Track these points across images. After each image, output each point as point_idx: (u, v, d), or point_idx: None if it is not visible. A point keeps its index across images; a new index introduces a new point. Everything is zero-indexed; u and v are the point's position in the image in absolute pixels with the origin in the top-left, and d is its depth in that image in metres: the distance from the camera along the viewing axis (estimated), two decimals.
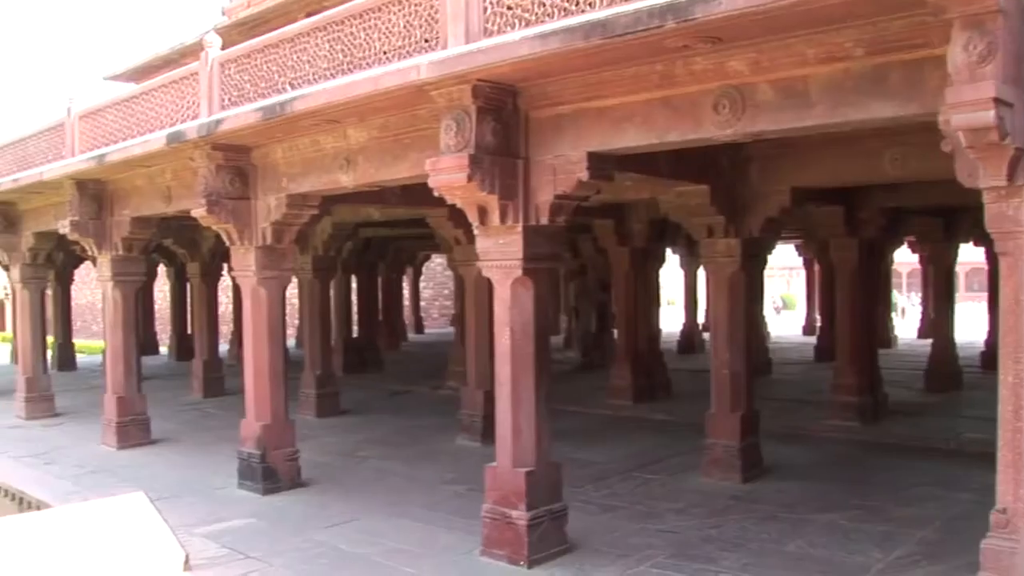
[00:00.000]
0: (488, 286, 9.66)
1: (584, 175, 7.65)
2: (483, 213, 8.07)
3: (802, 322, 32.60)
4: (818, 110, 6.45)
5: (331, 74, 8.90)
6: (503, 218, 7.95)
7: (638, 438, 13.88)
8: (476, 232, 8.27)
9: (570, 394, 16.13)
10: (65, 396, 18.83)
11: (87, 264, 26.97)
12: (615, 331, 19.00)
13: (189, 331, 27.69)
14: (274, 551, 8.79)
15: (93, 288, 38.59)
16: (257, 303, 11.24)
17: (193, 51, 14.70)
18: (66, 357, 27.80)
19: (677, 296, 37.61)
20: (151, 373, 19.84)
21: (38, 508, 10.68)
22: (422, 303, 38.12)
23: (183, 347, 27.92)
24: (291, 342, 22.33)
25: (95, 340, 36.58)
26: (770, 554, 8.27)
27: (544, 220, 7.96)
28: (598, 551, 8.40)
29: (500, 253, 8.07)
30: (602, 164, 7.74)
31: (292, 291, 15.79)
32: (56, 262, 22.68)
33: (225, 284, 26.27)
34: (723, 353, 10.99)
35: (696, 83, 6.90)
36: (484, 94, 7.61)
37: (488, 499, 8.28)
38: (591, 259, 21.89)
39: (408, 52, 8.06)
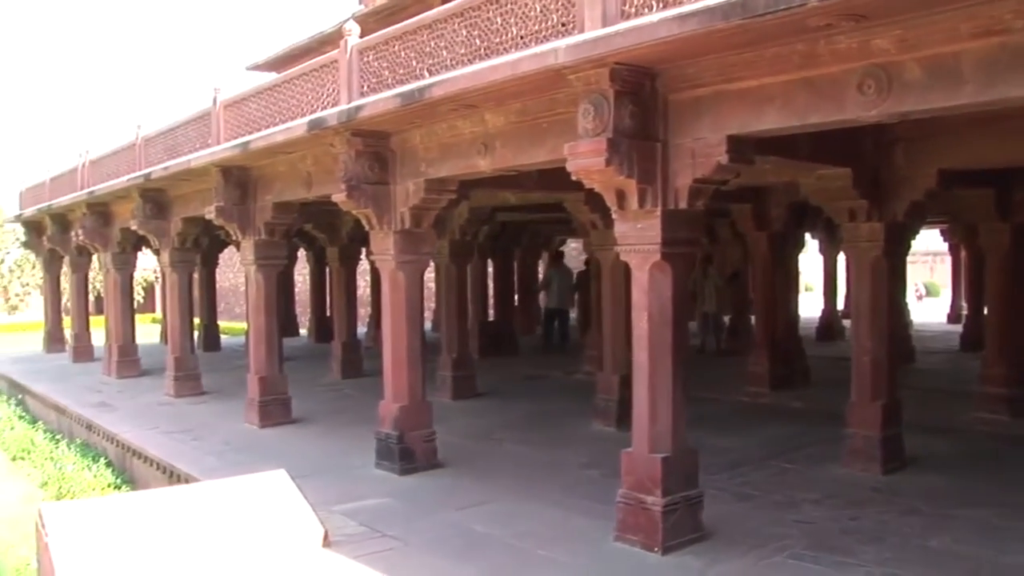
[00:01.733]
0: (625, 271, 9.62)
1: (723, 158, 7.52)
2: (621, 197, 8.01)
3: (947, 310, 31.59)
4: (970, 88, 6.20)
5: (468, 60, 8.95)
6: (641, 202, 7.88)
7: (775, 426, 13.64)
8: (614, 216, 8.22)
9: (705, 380, 15.92)
10: (210, 375, 19.43)
11: (230, 248, 27.81)
12: (752, 317, 18.72)
13: (328, 314, 28.37)
14: (410, 530, 8.93)
15: (236, 271, 39.72)
16: (395, 287, 11.40)
17: (332, 40, 15.00)
18: (211, 338, 28.73)
19: (815, 282, 36.83)
20: (291, 354, 20.28)
21: (186, 481, 11.05)
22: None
23: (322, 329, 28.58)
24: (427, 325, 22.59)
25: (238, 322, 37.69)
26: (912, 549, 8.02)
27: (683, 204, 7.86)
28: (732, 540, 8.28)
29: (638, 237, 8.00)
30: (742, 147, 7.60)
31: (429, 275, 15.94)
32: (202, 246, 23.41)
33: (363, 268, 26.75)
34: (865, 340, 10.70)
35: (839, 63, 6.71)
36: (622, 77, 7.54)
37: (623, 484, 8.25)
38: (723, 244, 21.61)
39: (545, 36, 8.05)
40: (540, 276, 29.88)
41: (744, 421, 14.08)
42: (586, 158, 7.77)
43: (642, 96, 7.78)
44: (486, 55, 8.71)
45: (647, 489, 7.99)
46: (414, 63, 9.83)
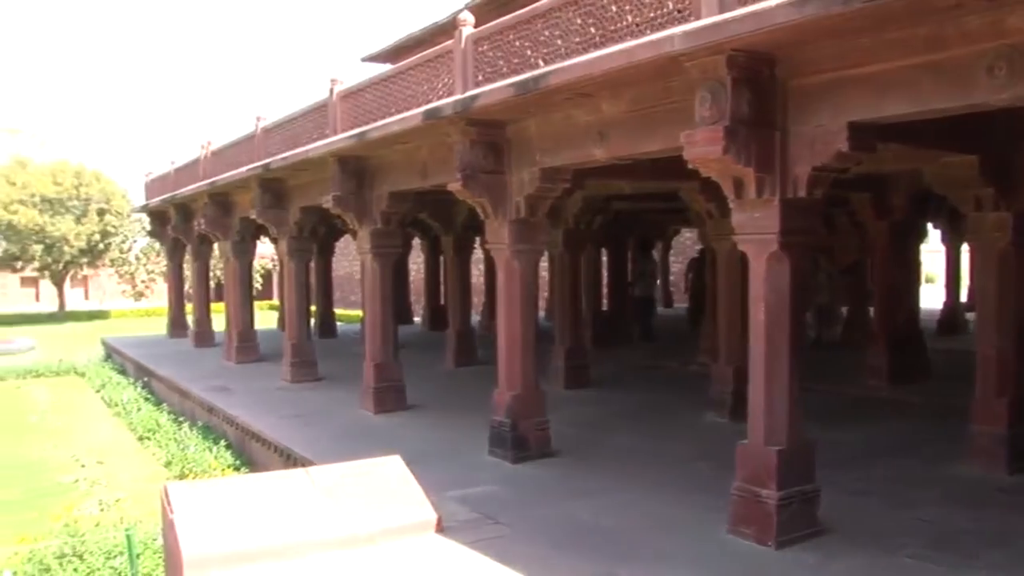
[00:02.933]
0: (741, 261, 9.49)
1: (844, 146, 7.33)
2: (739, 186, 7.90)
3: None
4: None
5: (583, 48, 8.91)
6: (759, 191, 7.76)
7: (894, 421, 13.32)
8: (731, 205, 8.11)
9: (822, 372, 15.62)
10: (326, 362, 19.76)
11: (346, 237, 28.24)
12: (871, 309, 18.29)
13: (442, 302, 28.63)
14: (521, 518, 8.95)
15: (351, 260, 40.31)
16: (510, 275, 11.44)
17: (445, 30, 15.10)
18: (327, 325, 29.29)
19: (937, 273, 35.82)
20: (405, 342, 20.50)
21: (302, 465, 11.26)
22: (671, 277, 37.81)
23: (435, 317, 28.87)
24: (541, 314, 22.62)
25: (353, 309, 38.26)
26: None
27: (801, 193, 7.70)
28: (849, 537, 8.10)
29: (755, 227, 7.88)
30: (863, 134, 7.39)
31: (543, 264, 15.94)
32: (319, 235, 23.82)
33: (477, 256, 26.91)
34: (990, 334, 10.34)
35: (967, 44, 6.46)
36: (739, 64, 7.43)
37: (737, 476, 8.15)
38: (841, 234, 21.15)
39: (661, 24, 7.98)
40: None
41: (862, 415, 13.79)
42: (703, 147, 7.68)
43: (760, 83, 7.65)
44: (601, 43, 8.67)
45: (762, 482, 7.89)
46: (528, 52, 9.84)
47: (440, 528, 8.39)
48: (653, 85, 8.69)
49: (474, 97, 10.36)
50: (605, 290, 25.54)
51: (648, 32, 8.06)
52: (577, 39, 9.04)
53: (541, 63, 9.54)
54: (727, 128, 7.43)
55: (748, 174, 7.70)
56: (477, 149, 11.10)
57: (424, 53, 12.47)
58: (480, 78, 10.71)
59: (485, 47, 10.70)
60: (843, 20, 6.45)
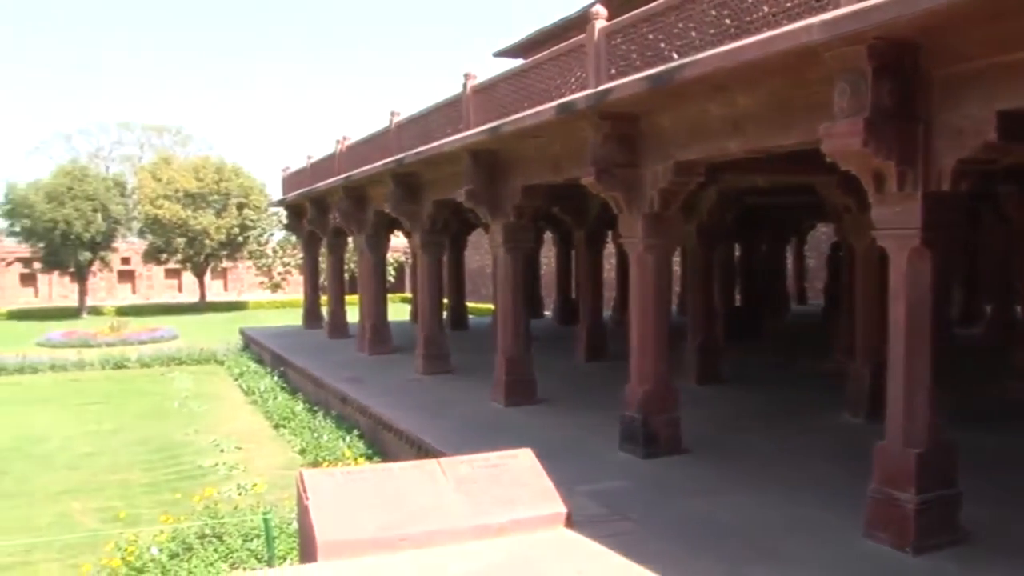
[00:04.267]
0: (880, 257, 9.23)
1: (992, 136, 7.02)
2: (879, 179, 7.67)
3: None
4: None
5: (717, 40, 8.79)
6: (900, 184, 7.52)
7: None
8: (871, 200, 7.88)
9: (965, 373, 15.09)
10: (457, 354, 19.95)
11: (477, 231, 28.45)
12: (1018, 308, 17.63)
13: (572, 296, 28.62)
14: (651, 514, 8.90)
15: (482, 253, 40.60)
16: (643, 270, 11.35)
17: (577, 24, 15.06)
18: (459, 318, 29.55)
19: None
20: (536, 335, 20.55)
21: (433, 455, 11.36)
22: (805, 273, 37.11)
23: (566, 311, 28.86)
24: (673, 309, 22.41)
25: (483, 303, 38.53)
26: None
27: (945, 186, 7.43)
28: (992, 545, 7.81)
29: (896, 222, 7.64)
30: (1013, 124, 7.10)
31: (674, 258, 15.76)
32: (451, 229, 24.03)
33: (608, 251, 26.80)
34: None
35: None
36: (881, 53, 7.21)
37: (874, 479, 7.94)
38: (986, 229, 20.42)
39: (798, 13, 7.81)
40: (788, 262, 29.17)
41: (1008, 419, 13.26)
42: (842, 139, 7.49)
43: (902, 73, 7.41)
44: (736, 35, 8.53)
45: (900, 485, 7.66)
46: (662, 45, 9.75)
47: (570, 522, 8.36)
48: (790, 76, 8.51)
49: (607, 91, 10.31)
50: (737, 286, 25.19)
51: (785, 22, 7.89)
52: (711, 31, 8.92)
53: (675, 56, 9.44)
54: (867, 120, 7.22)
55: (889, 167, 7.47)
56: (610, 143, 11.04)
57: (556, 47, 12.47)
58: (613, 71, 10.65)
59: (618, 40, 10.64)
60: (993, 4, 6.20)
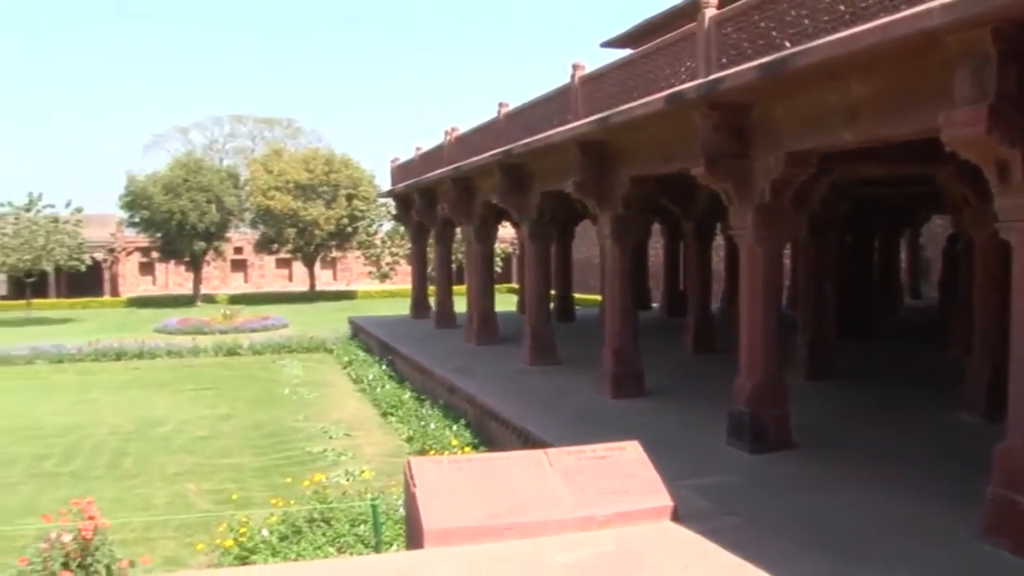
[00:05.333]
0: (1001, 249, 8.94)
1: None
2: (1003, 169, 7.38)
3: None
4: None
5: (832, 27, 8.59)
6: None
7: None
8: (994, 190, 7.60)
9: None
10: (564, 345, 19.92)
11: (585, 221, 28.38)
12: None
13: (680, 288, 28.39)
14: (757, 511, 8.77)
15: (589, 244, 40.48)
16: (753, 262, 11.19)
17: (686, 13, 14.88)
18: (566, 309, 29.54)
19: None
20: (643, 327, 20.39)
21: (539, 446, 11.38)
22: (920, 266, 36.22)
23: (674, 303, 28.67)
24: (783, 302, 22.08)
25: (590, 294, 38.45)
26: None
27: None
28: None
29: (1021, 213, 7.36)
30: None
31: (784, 250, 15.50)
32: (559, 219, 24.00)
33: (717, 242, 26.52)
34: None
35: None
36: (1007, 36, 6.93)
37: (993, 481, 7.64)
38: None
39: None
40: (902, 255, 28.47)
41: None
42: (963, 128, 7.24)
43: None
44: (851, 21, 8.33)
45: (1022, 488, 7.38)
46: (774, 33, 9.58)
47: (676, 516, 8.30)
48: (908, 63, 8.27)
49: (718, 80, 10.18)
50: (850, 279, 24.63)
51: (903, 7, 7.66)
52: (825, 17, 8.73)
53: (787, 44, 9.26)
54: (991, 107, 6.97)
55: (1014, 156, 7.19)
56: (721, 133, 10.90)
57: (666, 37, 12.35)
58: (724, 61, 10.51)
59: (729, 29, 10.49)
60: None
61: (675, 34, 11.99)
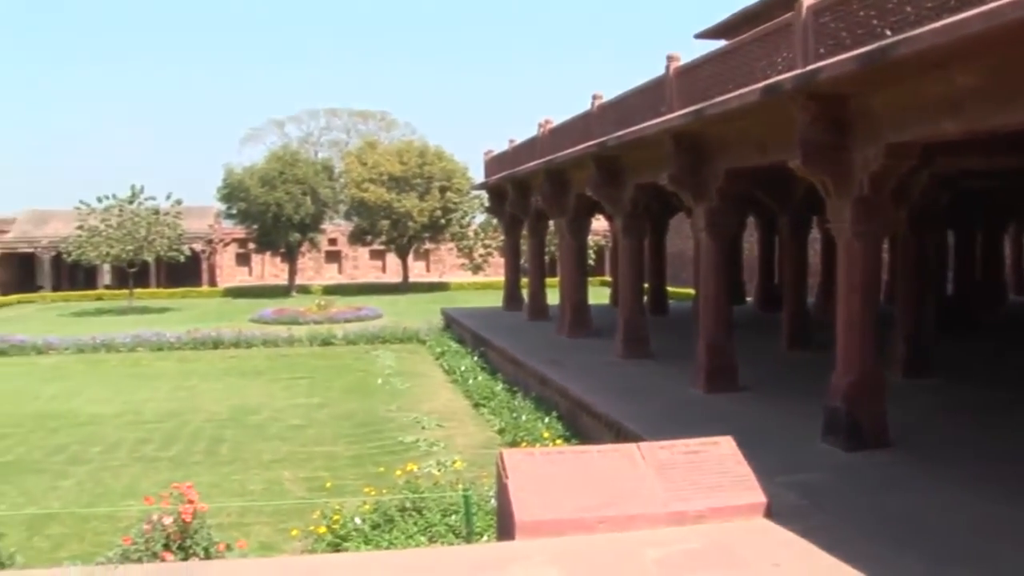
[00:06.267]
0: None
1: None
2: None
3: None
4: None
5: (935, 14, 8.37)
6: None
7: None
8: None
9: None
10: (657, 338, 19.82)
11: (679, 214, 28.17)
12: None
13: (775, 282, 28.03)
14: (850, 509, 8.63)
15: (682, 237, 40.23)
16: (851, 256, 10.98)
17: (782, 3, 14.61)
18: (659, 302, 29.38)
19: None
20: (737, 321, 20.17)
21: (632, 439, 11.34)
22: None
23: (768, 297, 28.31)
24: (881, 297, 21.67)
25: (682, 287, 38.18)
26: None
27: None
28: None
29: None
30: None
31: (883, 244, 15.18)
32: (652, 212, 23.88)
33: (812, 236, 26.13)
34: None
35: None
36: None
37: None
38: None
39: None
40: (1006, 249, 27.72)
41: None
42: None
43: None
44: (956, 7, 8.10)
45: None
46: (874, 22, 9.37)
47: (769, 513, 8.22)
48: (1016, 50, 8.01)
49: (816, 71, 10.00)
50: (950, 274, 24.12)
51: None
52: (928, 4, 8.50)
53: (888, 33, 9.05)
54: None
55: None
56: (818, 125, 10.71)
57: (761, 27, 12.18)
58: (821, 51, 10.32)
59: (827, 18, 10.30)
60: None
61: (771, 24, 11.81)
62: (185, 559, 8.23)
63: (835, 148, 10.77)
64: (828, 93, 10.51)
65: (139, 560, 8.12)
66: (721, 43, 15.93)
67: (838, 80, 9.82)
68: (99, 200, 47.99)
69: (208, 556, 8.37)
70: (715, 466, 8.45)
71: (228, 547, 8.79)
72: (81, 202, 48.29)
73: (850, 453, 10.71)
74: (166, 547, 8.26)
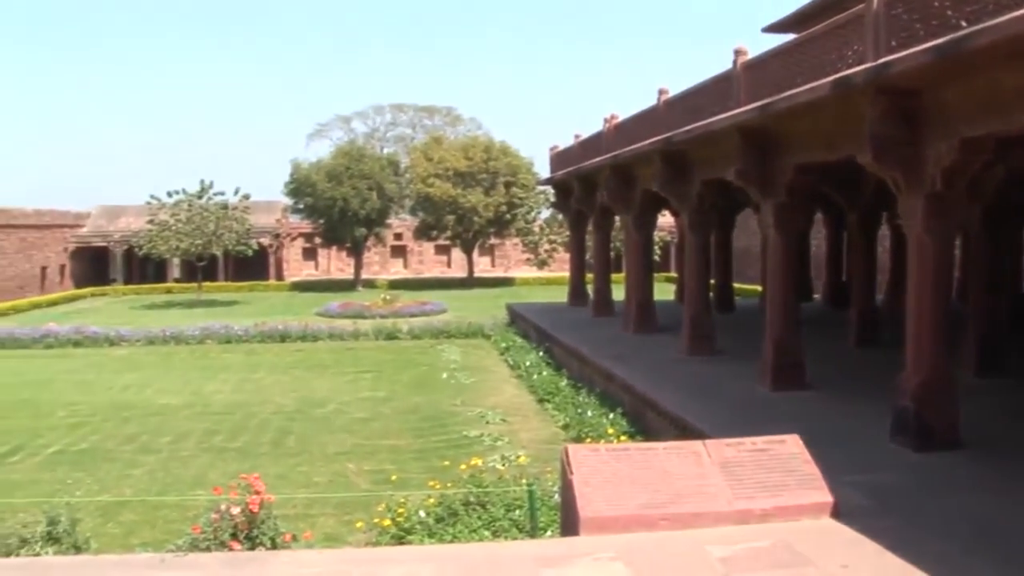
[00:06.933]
0: None
1: None
2: None
3: None
4: None
5: (1015, 3, 8.18)
6: None
7: None
8: None
9: None
10: (723, 335, 19.69)
11: (745, 211, 27.93)
12: None
13: (843, 279, 27.69)
14: (919, 511, 8.48)
15: (748, 234, 39.89)
16: (922, 253, 10.80)
17: None
18: (725, 299, 29.15)
19: None
20: (804, 318, 19.98)
21: (697, 436, 11.26)
22: None
23: (836, 294, 28.00)
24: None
25: (748, 284, 37.86)
26: None
27: None
28: None
29: None
30: None
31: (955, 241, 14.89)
32: (719, 208, 23.69)
33: (881, 232, 25.76)
34: None
35: None
36: None
37: None
38: None
39: None
40: None
41: None
42: None
43: None
44: None
45: None
46: (948, 12, 9.20)
47: (836, 513, 8.12)
48: None
49: (887, 64, 9.84)
50: None
51: None
52: None
53: (963, 24, 8.88)
54: None
55: None
56: (890, 119, 10.54)
57: (831, 20, 12.02)
58: (894, 43, 10.15)
59: (899, 10, 10.13)
60: None
61: (841, 17, 11.65)
62: (252, 549, 8.33)
63: (906, 143, 10.59)
64: (900, 86, 10.33)
65: (207, 549, 8.24)
66: (790, 36, 15.72)
67: (911, 73, 9.64)
68: (169, 195, 48.73)
69: (275, 546, 8.46)
70: (781, 464, 8.37)
71: (294, 538, 8.88)
72: (152, 197, 49.12)
73: (920, 453, 10.53)
74: (234, 536, 8.37)
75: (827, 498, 8.16)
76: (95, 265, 61.32)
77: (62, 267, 58.68)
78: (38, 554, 8.53)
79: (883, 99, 10.50)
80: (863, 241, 20.48)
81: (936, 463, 10.20)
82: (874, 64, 10.25)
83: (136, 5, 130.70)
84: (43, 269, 55.47)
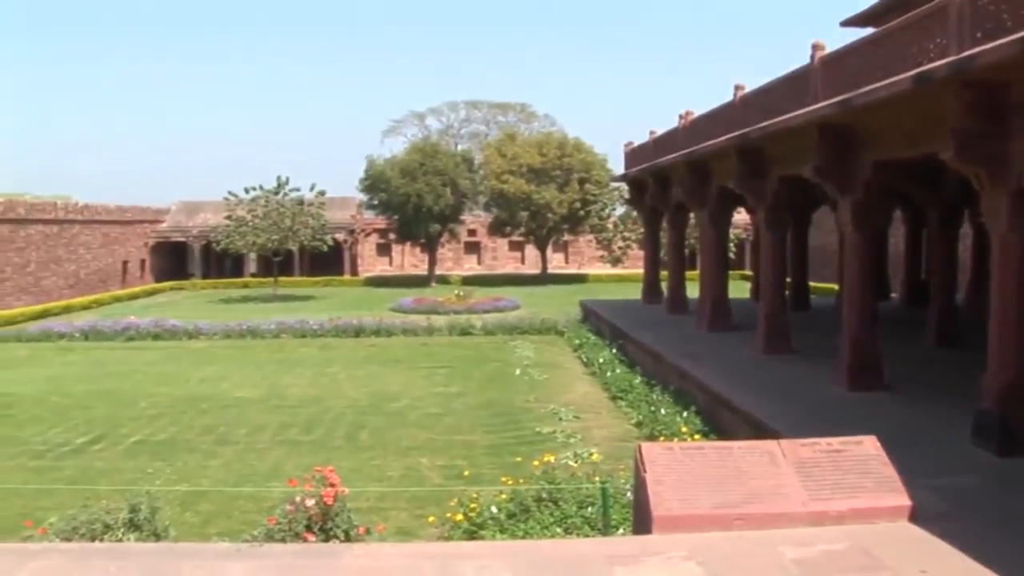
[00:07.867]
0: None
1: None
2: None
3: None
4: None
5: None
6: None
7: None
8: None
9: None
10: (799, 334, 19.42)
11: (821, 208, 27.54)
12: None
13: (922, 277, 27.19)
14: (1002, 516, 8.29)
15: (825, 231, 39.35)
16: (1006, 252, 10.55)
17: None
18: (801, 297, 28.81)
19: None
20: (882, 318, 19.63)
21: (771, 436, 11.12)
22: None
23: (915, 293, 27.50)
24: None
25: (823, 282, 37.36)
26: None
27: None
28: None
29: None
30: None
31: None
32: (795, 205, 23.39)
33: (962, 231, 25.25)
34: None
35: None
36: None
37: None
38: None
39: None
40: None
41: None
42: None
43: None
44: None
45: None
46: None
47: (913, 516, 7.96)
48: None
49: (972, 57, 9.62)
50: None
51: None
52: None
53: None
54: None
55: None
56: (973, 114, 10.30)
57: (913, 13, 11.78)
58: (979, 35, 9.91)
59: (985, 1, 9.88)
60: None
61: (924, 9, 11.41)
62: (326, 540, 8.42)
63: (991, 138, 10.34)
64: (985, 80, 10.09)
65: (282, 540, 8.34)
66: (868, 31, 15.48)
67: (998, 65, 9.42)
68: (246, 191, 49.43)
69: (348, 538, 8.54)
70: (858, 466, 8.23)
71: (368, 530, 8.95)
72: (230, 193, 49.88)
73: (1003, 458, 10.28)
74: (308, 528, 8.46)
75: (905, 501, 8.00)
76: (174, 260, 62.51)
77: (142, 261, 59.87)
78: (120, 540, 8.70)
79: (967, 93, 10.27)
80: (944, 239, 20.06)
81: (1019, 468, 9.96)
82: (958, 57, 10.03)
83: (213, 4, 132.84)
84: (124, 263, 56.65)
